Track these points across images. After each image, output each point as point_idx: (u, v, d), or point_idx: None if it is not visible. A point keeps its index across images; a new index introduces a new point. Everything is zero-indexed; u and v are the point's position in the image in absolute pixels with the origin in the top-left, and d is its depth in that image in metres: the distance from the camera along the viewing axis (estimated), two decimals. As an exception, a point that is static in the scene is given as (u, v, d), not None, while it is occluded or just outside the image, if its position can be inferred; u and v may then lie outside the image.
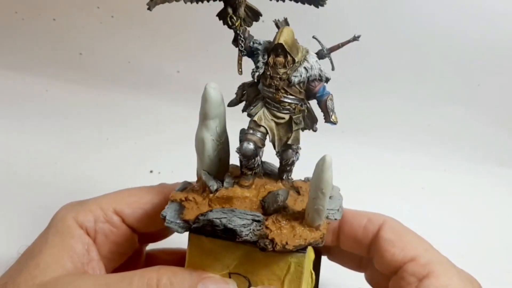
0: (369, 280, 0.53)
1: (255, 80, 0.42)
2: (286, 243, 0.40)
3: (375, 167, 0.92)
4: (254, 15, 0.43)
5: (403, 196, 0.84)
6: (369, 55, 0.91)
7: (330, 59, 0.43)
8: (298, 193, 0.46)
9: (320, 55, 0.43)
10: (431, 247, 0.47)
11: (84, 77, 1.03)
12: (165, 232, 0.54)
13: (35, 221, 0.49)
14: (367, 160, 0.92)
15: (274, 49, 0.40)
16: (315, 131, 0.45)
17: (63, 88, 1.02)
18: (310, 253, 0.46)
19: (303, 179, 0.48)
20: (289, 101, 0.42)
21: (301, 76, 0.41)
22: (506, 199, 0.89)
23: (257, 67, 0.41)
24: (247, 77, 0.44)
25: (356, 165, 0.89)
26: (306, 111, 0.43)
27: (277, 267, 0.43)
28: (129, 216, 0.48)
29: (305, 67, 0.41)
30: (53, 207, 0.49)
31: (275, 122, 0.43)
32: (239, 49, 0.43)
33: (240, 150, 0.42)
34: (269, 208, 0.42)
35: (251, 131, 0.42)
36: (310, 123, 0.44)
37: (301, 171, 0.48)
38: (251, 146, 0.42)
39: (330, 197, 0.43)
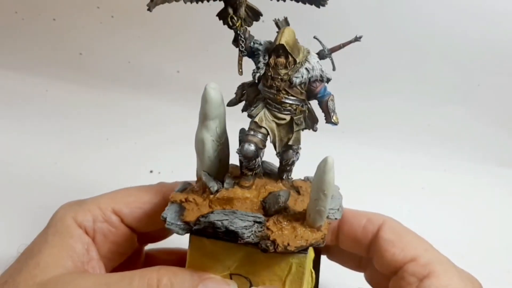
0: (369, 280, 0.53)
1: (256, 81, 0.42)
2: (288, 244, 0.40)
3: (375, 167, 0.92)
4: (255, 15, 0.43)
5: (403, 196, 0.85)
6: (370, 56, 0.91)
7: (331, 60, 0.43)
8: (298, 192, 0.46)
9: (321, 55, 0.43)
10: (431, 247, 0.47)
11: (84, 77, 1.03)
12: (164, 233, 0.53)
13: (35, 221, 0.49)
14: (367, 160, 0.92)
15: (275, 49, 0.40)
16: (315, 131, 0.45)
17: (63, 88, 1.02)
18: (310, 252, 0.46)
19: (303, 178, 0.48)
20: (290, 102, 0.42)
21: (302, 77, 0.41)
22: (506, 199, 0.89)
23: (258, 68, 0.41)
24: (247, 78, 0.44)
25: (356, 165, 0.89)
26: (307, 111, 0.43)
27: (278, 267, 0.43)
28: (127, 216, 0.48)
29: (306, 68, 0.41)
30: (53, 207, 0.48)
31: (276, 123, 0.43)
32: (239, 50, 0.43)
33: (241, 152, 0.42)
34: (270, 209, 0.42)
35: (252, 132, 0.42)
36: (311, 123, 0.44)
37: (301, 171, 0.48)
38: (252, 147, 0.42)
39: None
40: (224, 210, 0.41)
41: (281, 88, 0.41)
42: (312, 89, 0.41)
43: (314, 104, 0.43)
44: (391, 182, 0.87)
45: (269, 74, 0.41)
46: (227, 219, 0.39)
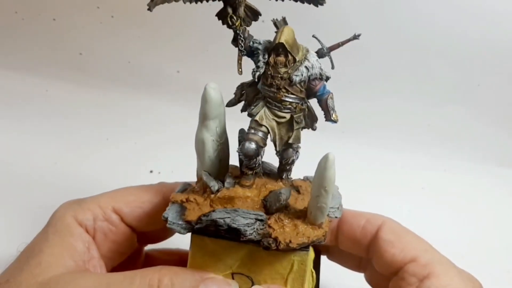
0: (369, 280, 0.53)
1: (256, 80, 0.42)
2: (290, 242, 0.40)
3: (375, 167, 0.92)
4: (254, 14, 0.43)
5: (403, 196, 0.85)
6: (369, 55, 0.91)
7: (330, 58, 0.43)
8: (298, 192, 0.46)
9: (320, 54, 0.43)
10: (431, 247, 0.47)
11: (84, 77, 1.03)
12: (164, 234, 0.53)
13: (35, 221, 0.49)
14: (367, 160, 0.92)
15: (275, 48, 0.40)
16: (314, 129, 0.45)
17: (63, 88, 1.02)
18: (311, 252, 0.46)
19: (302, 178, 0.48)
20: (290, 100, 0.42)
21: (302, 75, 0.41)
22: (506, 199, 0.89)
23: (257, 67, 0.41)
24: (247, 77, 0.44)
25: (356, 165, 0.88)
26: (306, 110, 0.43)
27: (280, 265, 0.43)
28: (128, 215, 0.48)
29: (306, 66, 0.41)
30: (53, 207, 0.48)
31: (276, 121, 0.43)
32: (239, 49, 0.43)
33: (241, 150, 0.42)
34: (271, 207, 0.42)
35: (252, 131, 0.42)
36: (310, 122, 0.44)
37: (300, 170, 0.48)
38: (253, 145, 0.42)
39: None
40: (225, 209, 0.41)
41: (281, 87, 0.41)
42: (312, 87, 0.42)
43: (313, 103, 0.44)
44: (391, 182, 0.87)
45: (269, 72, 0.41)
46: (229, 217, 0.40)
